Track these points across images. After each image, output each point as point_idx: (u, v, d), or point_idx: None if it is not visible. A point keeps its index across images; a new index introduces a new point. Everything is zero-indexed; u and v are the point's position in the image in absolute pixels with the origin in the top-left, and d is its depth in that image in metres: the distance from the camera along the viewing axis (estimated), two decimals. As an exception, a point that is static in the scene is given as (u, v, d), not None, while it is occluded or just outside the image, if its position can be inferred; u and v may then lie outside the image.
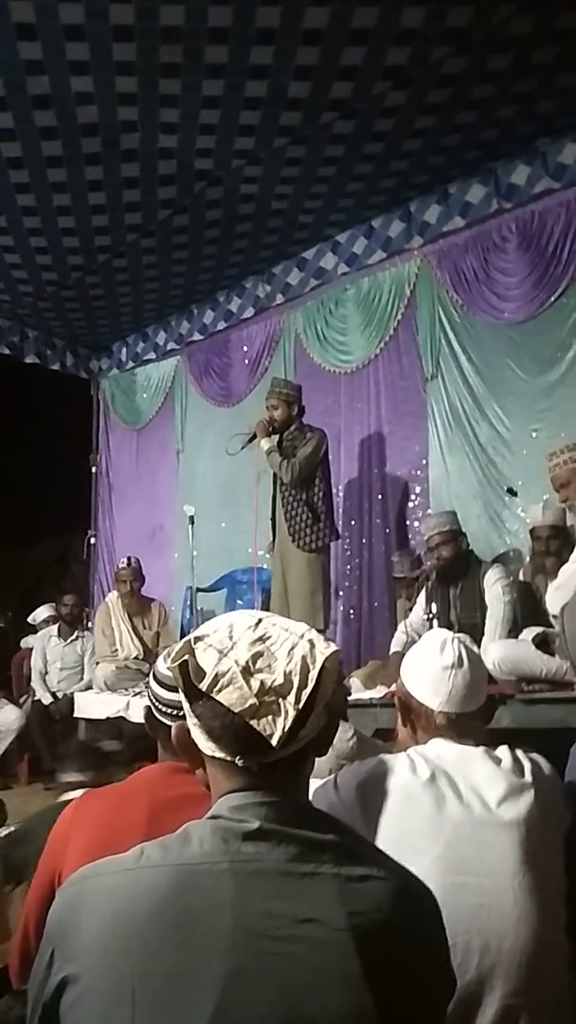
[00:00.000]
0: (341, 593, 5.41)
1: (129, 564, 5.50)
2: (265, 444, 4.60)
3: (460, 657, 1.49)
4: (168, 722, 1.42)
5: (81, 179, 4.63)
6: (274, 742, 0.83)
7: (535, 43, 3.77)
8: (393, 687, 3.67)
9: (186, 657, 0.87)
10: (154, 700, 1.47)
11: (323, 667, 0.86)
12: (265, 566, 5.01)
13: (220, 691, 0.84)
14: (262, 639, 0.87)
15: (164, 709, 1.44)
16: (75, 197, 4.80)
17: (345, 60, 3.76)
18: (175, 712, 1.41)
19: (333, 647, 0.88)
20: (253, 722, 0.83)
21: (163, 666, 1.46)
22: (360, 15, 3.50)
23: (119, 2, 3.39)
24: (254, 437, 4.68)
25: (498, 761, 1.40)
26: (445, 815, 1.33)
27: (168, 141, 4.33)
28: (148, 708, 1.50)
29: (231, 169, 4.62)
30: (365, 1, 3.43)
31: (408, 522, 5.24)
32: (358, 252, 5.44)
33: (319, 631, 0.91)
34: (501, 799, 1.34)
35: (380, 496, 5.35)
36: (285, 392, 4.72)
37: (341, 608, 5.38)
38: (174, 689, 1.40)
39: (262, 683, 0.84)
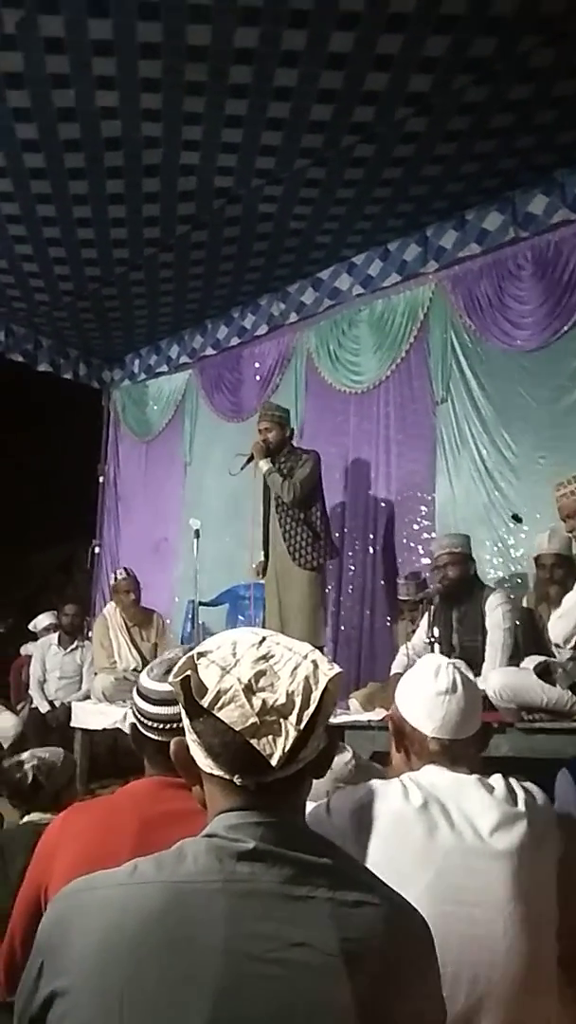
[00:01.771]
0: (343, 613, 5.40)
1: (127, 575, 5.50)
2: (264, 466, 4.67)
3: (454, 682, 1.48)
4: (154, 736, 1.41)
5: (102, 192, 4.68)
6: (274, 762, 0.82)
7: (557, 75, 3.81)
8: (390, 710, 3.66)
9: (188, 673, 0.87)
10: (139, 715, 1.44)
11: (326, 688, 0.85)
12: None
13: (221, 708, 0.83)
14: (265, 657, 0.86)
15: (149, 724, 1.42)
16: (95, 209, 4.85)
17: (368, 85, 3.81)
18: (160, 726, 1.40)
19: (336, 668, 0.87)
20: (253, 741, 0.82)
21: (148, 680, 1.44)
22: (385, 42, 3.54)
23: (147, 20, 3.44)
24: (252, 458, 4.74)
25: (491, 789, 1.39)
26: (437, 843, 1.31)
27: (190, 158, 4.38)
28: (133, 725, 1.48)
29: (251, 188, 4.66)
30: (390, 28, 3.47)
31: (413, 544, 5.24)
32: (373, 274, 5.47)
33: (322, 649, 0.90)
34: (494, 828, 1.33)
35: (386, 518, 5.35)
36: (277, 415, 4.81)
37: (342, 628, 5.37)
38: (160, 703, 1.40)
39: (264, 702, 0.83)
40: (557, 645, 3.40)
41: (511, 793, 1.39)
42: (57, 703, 5.59)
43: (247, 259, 5.52)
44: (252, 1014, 0.74)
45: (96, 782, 4.81)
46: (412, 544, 5.24)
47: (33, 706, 5.69)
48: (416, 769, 1.46)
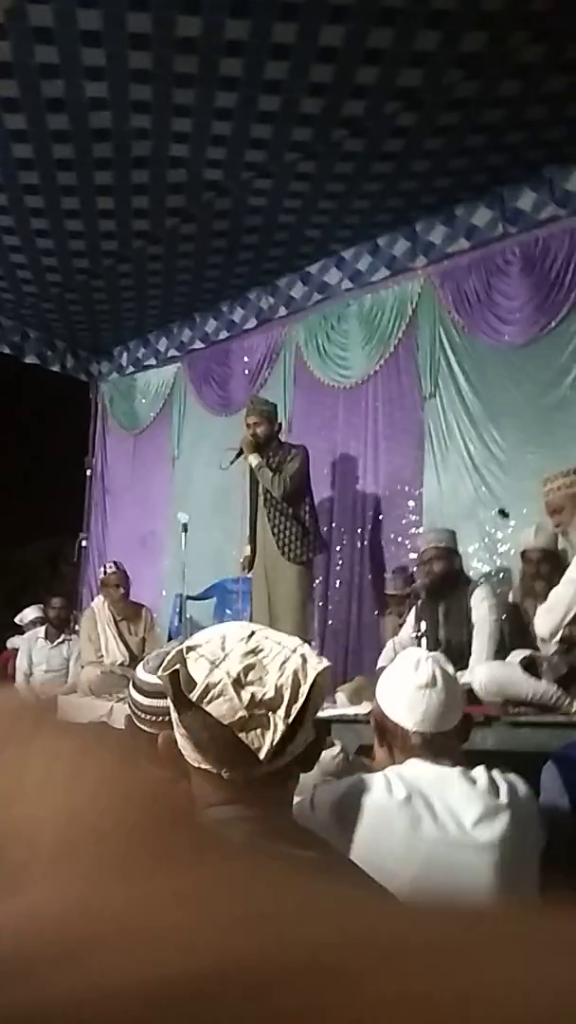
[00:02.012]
0: (330, 607, 5.41)
1: (116, 569, 5.46)
2: (254, 460, 4.67)
3: (434, 676, 1.48)
4: (149, 729, 1.41)
5: (90, 184, 4.65)
6: (262, 756, 0.82)
7: (547, 71, 3.82)
8: (372, 706, 3.67)
9: (177, 666, 0.87)
10: (134, 708, 1.45)
11: (314, 682, 0.85)
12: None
13: (210, 702, 0.84)
14: (254, 651, 0.87)
15: (144, 716, 1.43)
16: (84, 201, 4.82)
17: (359, 79, 3.80)
18: (155, 719, 1.40)
19: (325, 662, 0.88)
20: (242, 735, 0.83)
21: (143, 673, 1.45)
22: (375, 36, 3.54)
23: (137, 11, 3.42)
24: (241, 453, 4.75)
25: (474, 782, 1.40)
26: (420, 836, 1.32)
27: (179, 150, 4.36)
28: (129, 716, 1.49)
29: (240, 181, 4.64)
30: (381, 22, 3.47)
31: (400, 539, 5.25)
32: (362, 269, 5.47)
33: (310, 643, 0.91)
34: (476, 820, 1.34)
35: (373, 512, 5.36)
36: (265, 410, 4.81)
37: (330, 622, 5.38)
38: (154, 696, 1.40)
39: (252, 695, 0.83)
40: (543, 639, 3.42)
41: (494, 785, 1.40)
42: (43, 696, 5.58)
43: (236, 252, 5.51)
44: None
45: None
46: (400, 539, 5.25)
47: (19, 700, 5.67)
48: (399, 763, 1.47)
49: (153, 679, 1.41)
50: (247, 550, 4.82)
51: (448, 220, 5.04)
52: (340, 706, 3.97)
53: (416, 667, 1.50)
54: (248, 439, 4.70)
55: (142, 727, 1.43)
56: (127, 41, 3.58)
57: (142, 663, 1.49)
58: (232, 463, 4.85)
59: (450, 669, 1.54)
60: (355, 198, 4.87)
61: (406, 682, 1.50)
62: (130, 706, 1.47)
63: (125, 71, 3.76)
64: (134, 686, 1.46)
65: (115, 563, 5.53)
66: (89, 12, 3.44)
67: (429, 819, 1.33)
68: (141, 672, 1.46)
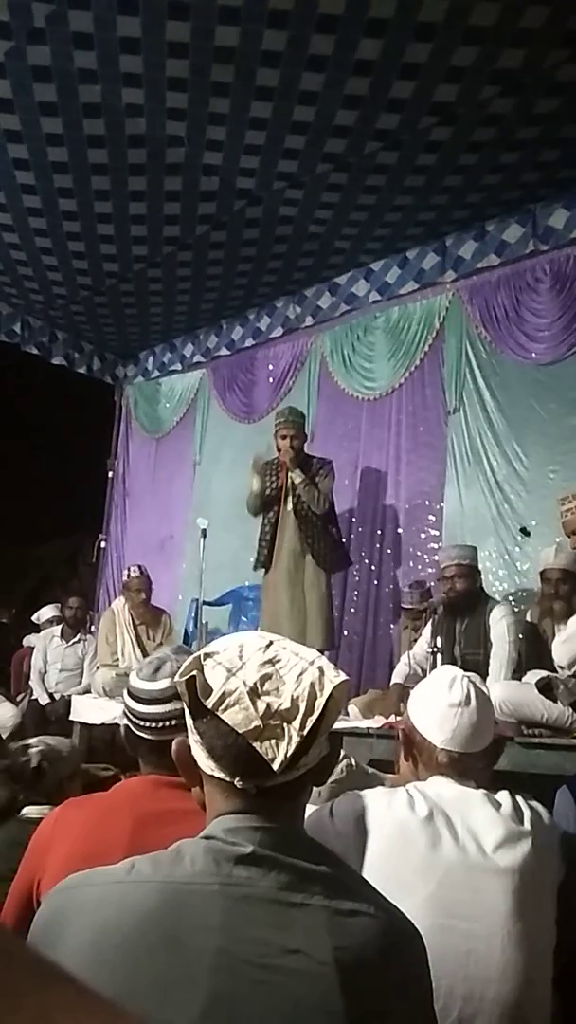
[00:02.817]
0: (346, 619, 5.39)
1: (140, 573, 5.42)
2: (298, 477, 4.64)
3: (468, 695, 1.47)
4: (147, 736, 1.42)
5: (124, 189, 4.69)
6: (275, 766, 0.82)
7: (583, 90, 3.81)
8: (392, 718, 3.65)
9: (194, 673, 0.87)
10: (131, 716, 1.45)
11: (330, 695, 0.85)
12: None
13: (226, 710, 0.83)
14: (272, 661, 0.86)
15: (141, 723, 1.43)
16: (116, 206, 4.87)
17: (394, 93, 3.81)
18: (154, 725, 1.41)
19: (342, 676, 0.87)
20: (256, 744, 0.82)
21: (137, 680, 1.45)
22: (412, 50, 3.55)
23: (176, 19, 3.45)
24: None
25: (498, 806, 1.38)
26: (439, 855, 1.30)
27: (212, 158, 4.39)
28: (126, 726, 1.48)
29: (272, 190, 4.67)
30: (418, 37, 3.48)
31: (419, 553, 5.23)
32: (391, 281, 5.47)
33: (324, 652, 0.90)
34: (497, 845, 1.32)
35: (392, 525, 5.34)
36: (300, 422, 4.80)
37: (345, 633, 5.36)
38: (149, 702, 1.41)
39: (268, 706, 0.83)
40: (561, 666, 3.39)
41: (517, 811, 1.38)
42: (57, 696, 5.60)
43: (265, 261, 5.53)
44: (243, 1017, 0.74)
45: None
46: (418, 552, 5.23)
47: (33, 697, 5.71)
48: (423, 779, 1.46)
49: (149, 685, 1.43)
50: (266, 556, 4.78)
51: (479, 235, 5.03)
52: (352, 719, 3.96)
53: (451, 685, 1.49)
54: (290, 454, 4.67)
55: (141, 734, 1.43)
56: (165, 49, 3.62)
57: (135, 671, 1.50)
58: (273, 485, 4.77)
59: (485, 690, 1.52)
60: (386, 211, 4.88)
61: (439, 698, 1.49)
62: (126, 714, 1.47)
63: (162, 78, 3.80)
64: (130, 694, 1.46)
65: (139, 567, 5.48)
66: (129, 19, 3.47)
67: (450, 839, 1.32)
68: (135, 680, 1.46)
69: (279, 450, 4.73)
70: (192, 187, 4.66)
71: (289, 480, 4.67)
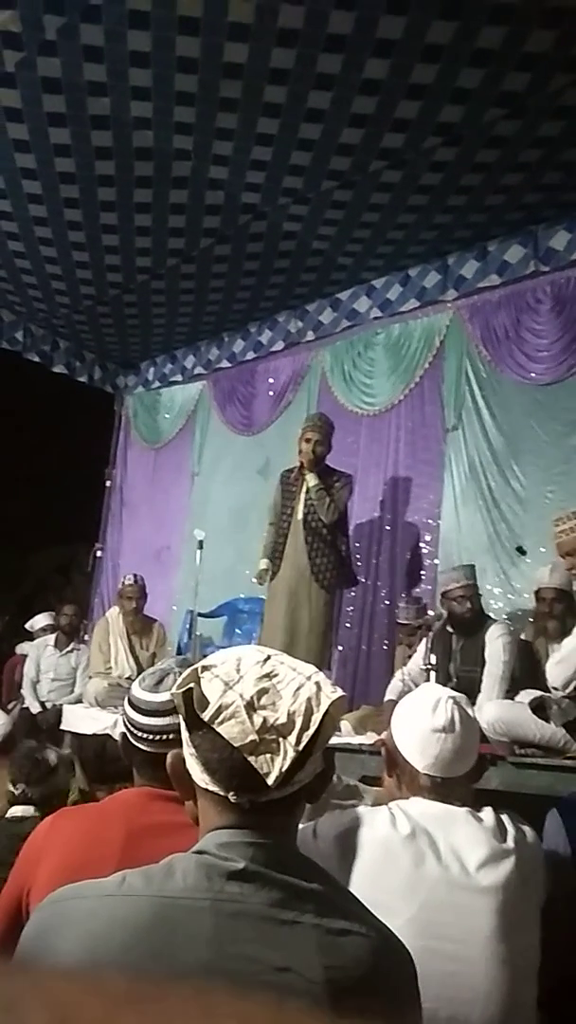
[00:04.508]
0: (341, 633, 5.37)
1: (135, 582, 5.43)
2: (312, 480, 4.58)
3: (452, 720, 1.42)
4: (144, 747, 1.40)
5: (129, 200, 4.72)
6: (270, 781, 0.82)
7: (587, 115, 3.85)
8: (384, 735, 3.63)
9: (191, 685, 0.86)
10: (129, 726, 1.44)
11: (327, 711, 0.85)
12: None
13: (222, 723, 0.83)
14: (269, 676, 0.86)
15: (139, 734, 1.41)
16: (122, 217, 4.89)
17: (400, 113, 3.84)
18: (153, 737, 1.40)
19: (339, 692, 0.87)
20: (251, 759, 0.82)
21: (139, 691, 1.43)
22: (419, 71, 3.58)
23: (186, 35, 3.49)
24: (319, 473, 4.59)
25: (481, 823, 1.36)
26: (422, 875, 1.29)
27: (218, 172, 4.42)
28: (123, 734, 1.47)
29: (277, 206, 4.70)
30: (425, 58, 3.51)
31: (415, 570, 5.23)
32: (392, 298, 5.50)
33: (320, 668, 0.90)
34: (481, 863, 1.30)
35: (390, 542, 5.34)
36: (325, 428, 4.72)
37: (340, 648, 5.35)
38: (149, 713, 1.39)
39: (264, 720, 0.83)
40: (554, 687, 3.39)
41: (501, 828, 1.37)
42: (49, 705, 5.57)
43: (268, 275, 5.56)
44: None
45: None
46: (415, 570, 5.23)
47: (24, 706, 5.67)
48: (405, 798, 1.44)
49: (150, 697, 1.41)
50: (263, 563, 4.72)
51: (481, 255, 5.06)
52: (344, 735, 3.94)
53: (435, 708, 1.44)
54: (310, 455, 4.60)
55: (139, 746, 1.42)
56: (175, 64, 3.65)
57: (137, 681, 1.48)
58: (291, 479, 4.71)
59: (470, 712, 1.48)
60: (389, 228, 4.91)
61: (422, 722, 1.44)
62: (125, 724, 1.45)
63: (171, 92, 3.83)
64: (130, 704, 1.44)
65: (135, 576, 5.49)
66: (140, 34, 3.51)
67: (433, 858, 1.31)
68: (137, 690, 1.44)
69: (300, 452, 4.65)
70: (197, 200, 4.69)
71: (304, 484, 4.62)
